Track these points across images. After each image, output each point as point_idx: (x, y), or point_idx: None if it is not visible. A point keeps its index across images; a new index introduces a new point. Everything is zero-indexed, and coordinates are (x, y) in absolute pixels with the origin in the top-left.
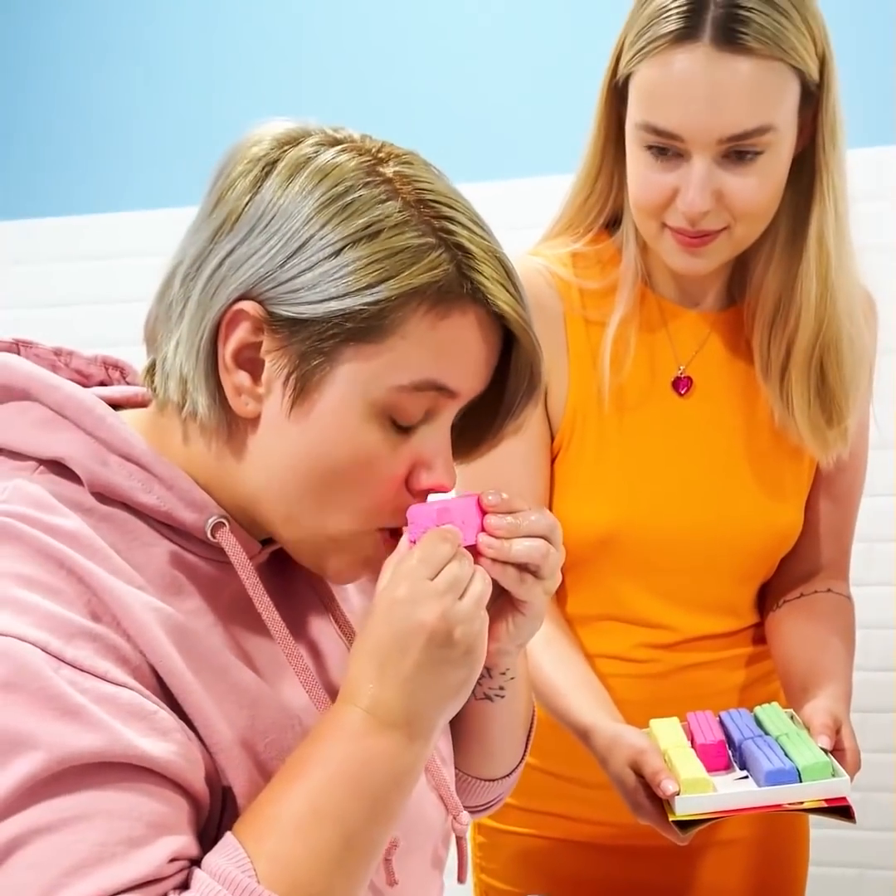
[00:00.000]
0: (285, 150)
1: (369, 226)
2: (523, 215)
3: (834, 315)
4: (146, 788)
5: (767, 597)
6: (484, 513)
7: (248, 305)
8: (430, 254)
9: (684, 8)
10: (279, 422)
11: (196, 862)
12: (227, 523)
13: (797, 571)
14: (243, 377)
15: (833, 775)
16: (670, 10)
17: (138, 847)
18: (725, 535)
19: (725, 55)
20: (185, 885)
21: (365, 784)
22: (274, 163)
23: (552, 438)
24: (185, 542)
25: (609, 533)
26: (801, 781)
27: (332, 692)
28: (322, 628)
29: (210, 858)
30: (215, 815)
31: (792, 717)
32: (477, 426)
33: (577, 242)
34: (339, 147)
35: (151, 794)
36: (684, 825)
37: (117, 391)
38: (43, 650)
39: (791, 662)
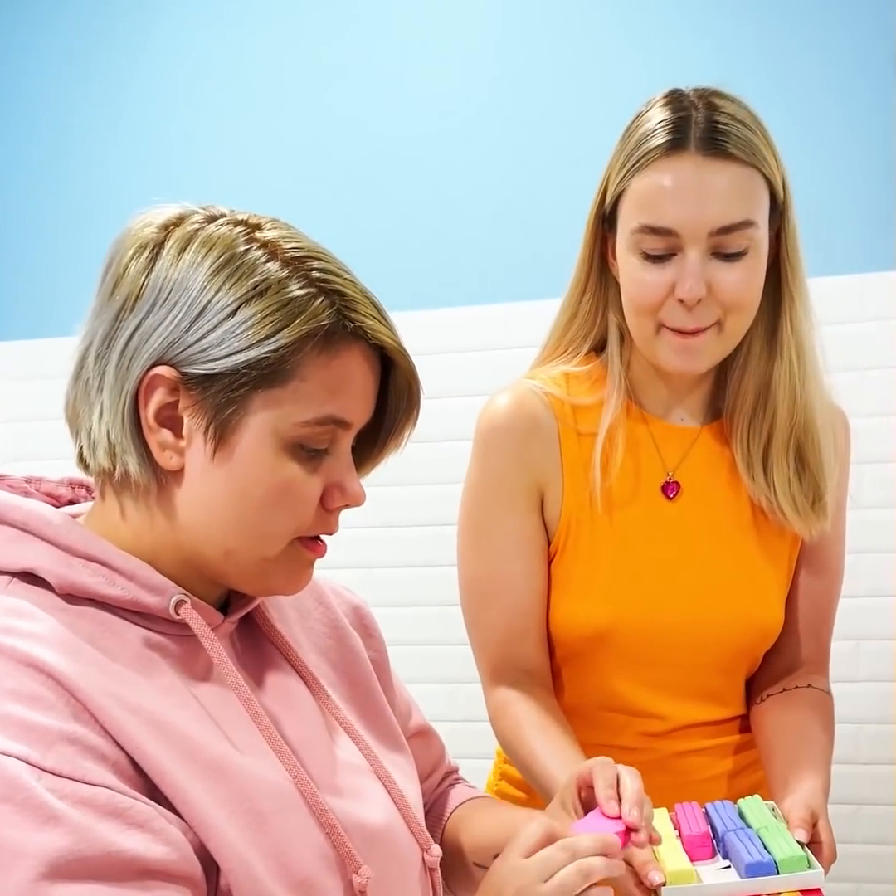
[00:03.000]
0: (171, 231)
1: (257, 285)
2: (518, 336)
3: (808, 402)
4: (134, 887)
5: (752, 691)
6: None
7: (162, 370)
8: (314, 302)
9: (670, 126)
10: (204, 469)
11: None
12: (187, 600)
13: (779, 666)
14: (166, 434)
15: (808, 867)
16: (657, 130)
17: None
18: (711, 631)
19: (710, 160)
20: None
21: None
22: (162, 243)
23: (549, 542)
24: (152, 624)
25: (603, 628)
26: (778, 873)
27: (300, 742)
28: (291, 684)
29: None
30: (211, 883)
31: (773, 810)
32: (362, 446)
33: (568, 364)
34: (217, 222)
35: (140, 892)
36: None
37: (86, 507)
38: (24, 762)
39: (773, 755)
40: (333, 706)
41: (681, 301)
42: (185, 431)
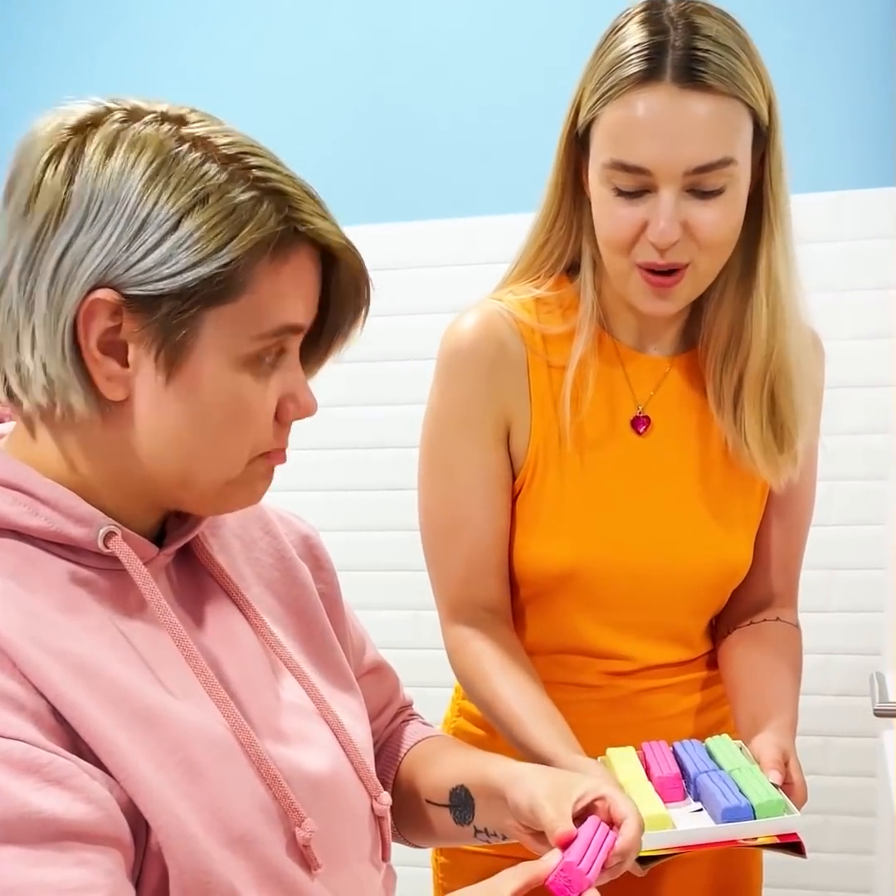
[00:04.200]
0: (88, 132)
1: (197, 193)
2: (483, 251)
3: (784, 344)
4: (50, 848)
5: (719, 625)
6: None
7: (102, 294)
8: (260, 207)
9: (645, 52)
10: (156, 397)
11: None
12: (117, 531)
13: (747, 601)
14: (111, 363)
15: (786, 812)
16: (631, 55)
17: None
18: (680, 570)
19: (687, 92)
20: None
21: None
22: (81, 147)
23: (514, 478)
24: (79, 558)
25: (569, 568)
26: (755, 818)
27: (241, 684)
28: (232, 621)
29: None
30: (140, 841)
31: (741, 749)
32: (305, 347)
33: (539, 288)
34: (142, 120)
35: (56, 855)
36: (643, 860)
37: (6, 427)
38: None
39: (739, 691)
40: (278, 644)
41: (652, 242)
42: (130, 359)
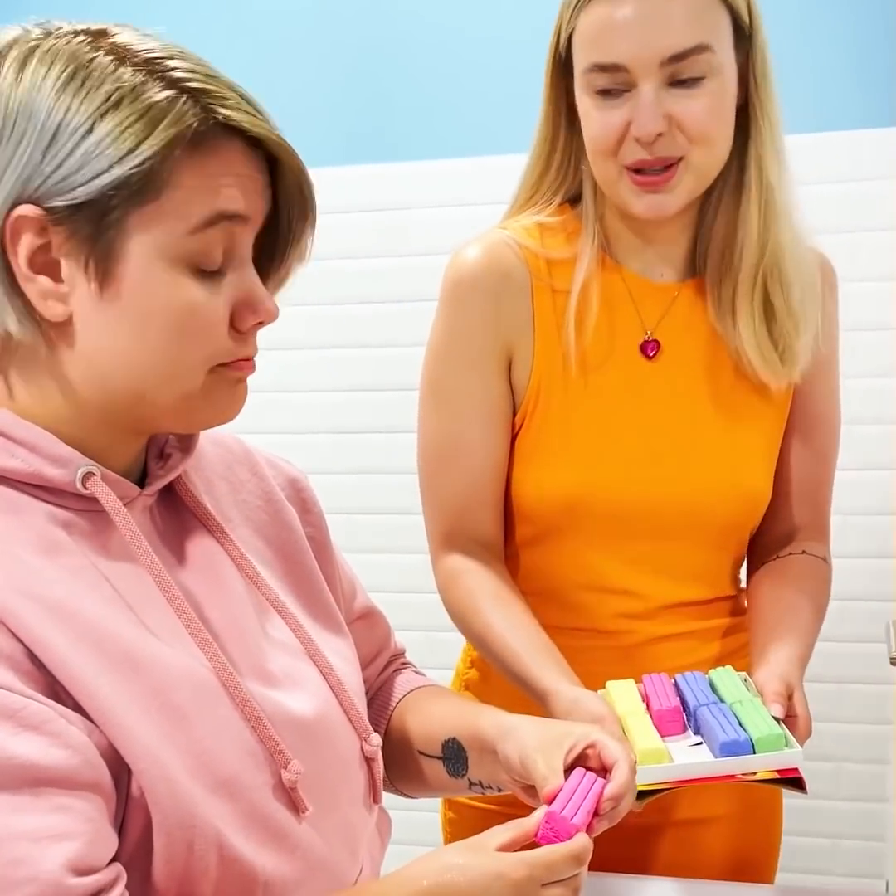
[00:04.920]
0: (5, 53)
1: (110, 96)
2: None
3: (776, 243)
4: (26, 794)
5: (748, 563)
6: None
7: (24, 209)
8: (175, 104)
9: None
10: (94, 311)
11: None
12: (96, 472)
13: (773, 534)
14: (44, 281)
15: (786, 746)
16: None
17: (24, 867)
18: (692, 500)
19: None
20: (105, 891)
21: None
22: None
23: (515, 411)
24: (58, 500)
25: (575, 498)
26: (754, 752)
27: (226, 626)
28: (218, 561)
29: None
30: (122, 786)
31: (745, 681)
32: (264, 260)
33: (541, 214)
34: (55, 34)
35: (32, 801)
36: (641, 794)
37: None
38: None
39: (757, 624)
40: (264, 585)
41: (637, 139)
42: (64, 274)
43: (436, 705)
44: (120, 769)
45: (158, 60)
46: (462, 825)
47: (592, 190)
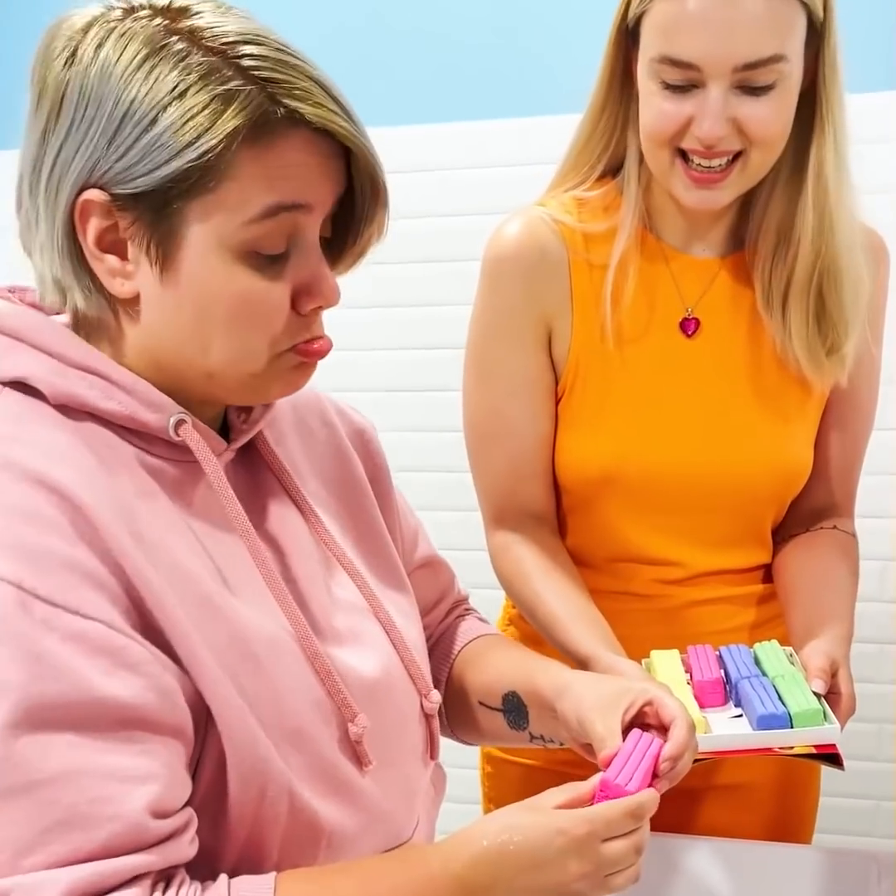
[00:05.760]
0: (88, 32)
1: (175, 86)
2: (537, 152)
3: (832, 244)
4: (114, 736)
5: (776, 534)
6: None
7: (91, 194)
8: (239, 95)
9: None
10: (157, 292)
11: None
12: (188, 420)
13: (805, 509)
14: (112, 260)
15: (824, 722)
16: None
17: (110, 805)
18: (729, 474)
19: None
20: (179, 834)
21: None
22: (75, 50)
23: (557, 381)
24: (148, 446)
25: (612, 470)
26: (792, 727)
27: (298, 581)
28: (289, 517)
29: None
30: (200, 732)
31: (790, 656)
32: (339, 241)
33: (580, 187)
34: (136, 14)
35: (120, 743)
36: None
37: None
38: (18, 587)
39: (794, 599)
40: (332, 542)
41: (697, 137)
42: (130, 254)
43: (496, 656)
44: (200, 714)
45: (231, 45)
46: (500, 779)
47: (636, 160)
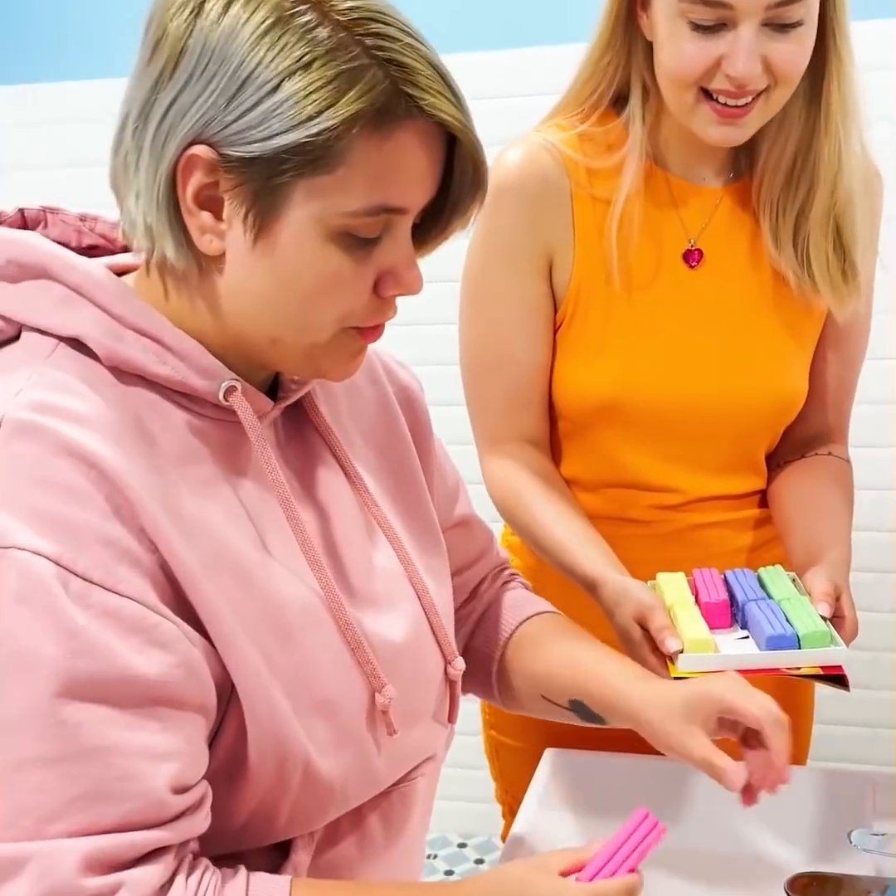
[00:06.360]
0: None
1: (302, 57)
2: (536, 83)
3: (848, 173)
4: (143, 713)
5: (770, 460)
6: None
7: (199, 150)
8: (364, 75)
9: None
10: (244, 256)
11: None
12: (238, 386)
13: (799, 435)
14: (206, 217)
15: (831, 644)
16: None
17: (136, 782)
18: (729, 402)
19: None
20: (194, 809)
21: None
22: (203, 4)
23: (555, 310)
24: (196, 408)
25: (614, 398)
26: (800, 648)
27: (337, 544)
28: (333, 479)
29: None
30: (223, 704)
31: (794, 581)
32: (426, 223)
33: (583, 123)
34: None
35: (148, 720)
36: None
37: (131, 260)
38: (56, 563)
39: (792, 525)
40: (373, 504)
41: (729, 76)
42: (225, 215)
43: (553, 651)
44: (224, 687)
45: (359, 22)
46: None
47: (641, 99)
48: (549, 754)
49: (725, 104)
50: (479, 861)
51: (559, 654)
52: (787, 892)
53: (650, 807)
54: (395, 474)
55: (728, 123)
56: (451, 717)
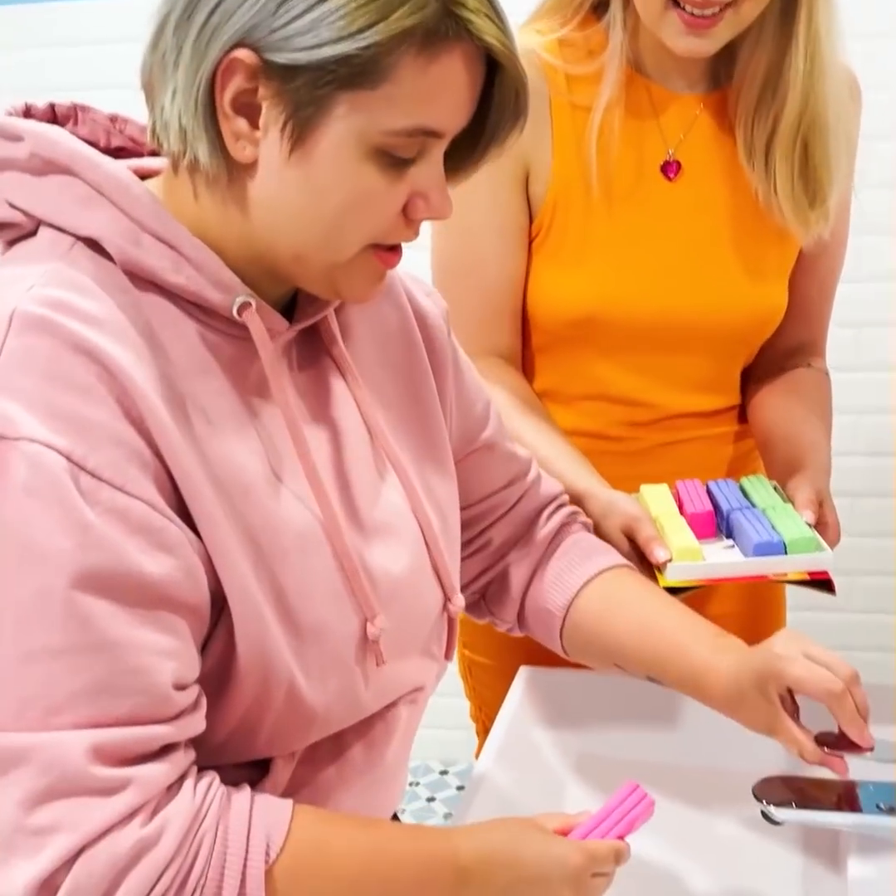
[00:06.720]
0: None
1: None
2: None
3: (820, 93)
4: (147, 611)
5: (749, 373)
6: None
7: (243, 54)
8: None
9: None
10: (278, 166)
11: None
12: (252, 303)
13: (778, 348)
14: (241, 123)
15: (818, 549)
16: None
17: (142, 677)
18: (707, 316)
19: None
20: (192, 709)
21: None
22: None
23: (531, 220)
24: (209, 321)
25: (589, 311)
26: (787, 554)
27: (342, 471)
28: (343, 405)
29: (259, 812)
30: (214, 616)
31: (776, 489)
32: (460, 149)
33: (563, 27)
34: None
35: (151, 619)
36: (673, 591)
37: (158, 164)
38: (67, 458)
39: (772, 435)
40: (382, 433)
41: None
42: (261, 122)
43: (624, 620)
44: (216, 599)
45: None
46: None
47: (621, 3)
48: (523, 672)
49: (692, 13)
50: (461, 788)
51: (631, 624)
52: (755, 796)
53: (623, 725)
54: (412, 402)
55: (695, 34)
56: (448, 654)
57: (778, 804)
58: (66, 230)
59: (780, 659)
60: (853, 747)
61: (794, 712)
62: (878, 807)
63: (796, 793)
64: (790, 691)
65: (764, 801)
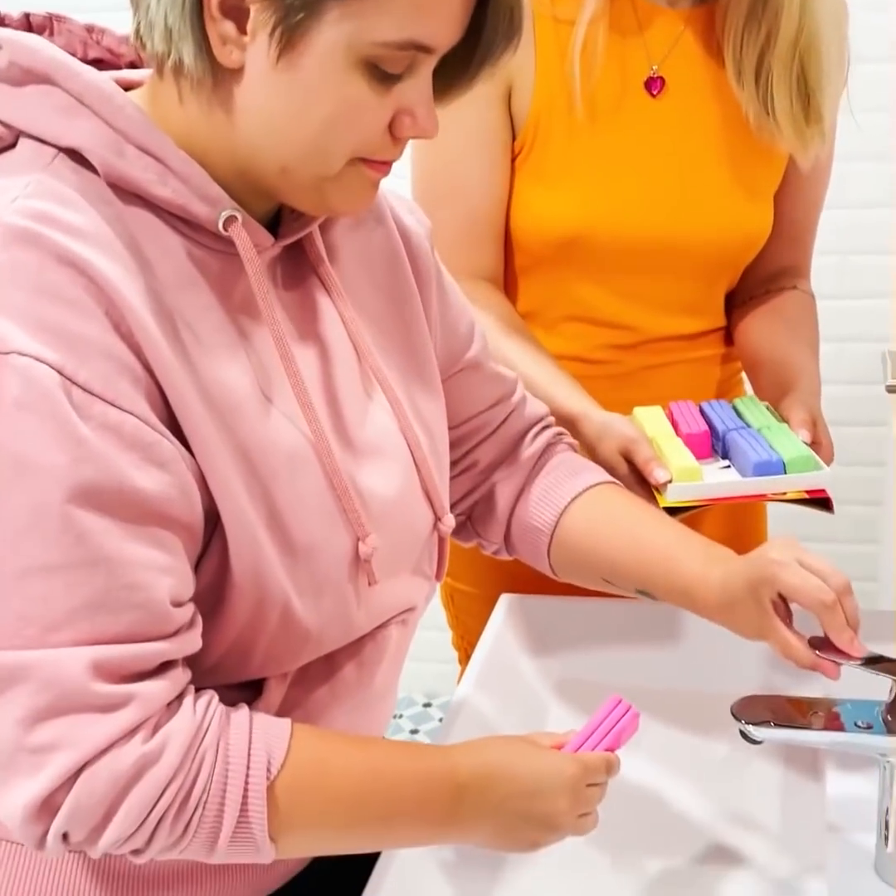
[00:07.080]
0: None
1: None
2: None
3: (816, 11)
4: (142, 526)
5: (734, 295)
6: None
7: None
8: None
9: None
10: (265, 73)
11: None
12: (239, 217)
13: (763, 270)
14: (228, 26)
15: (816, 468)
16: None
17: (139, 592)
18: (692, 236)
19: None
20: (189, 626)
21: (400, 818)
22: None
23: (514, 137)
24: (194, 235)
25: (573, 232)
26: (786, 473)
27: (330, 391)
28: (330, 324)
29: (258, 730)
30: (207, 535)
31: (769, 409)
32: (450, 68)
33: None
34: None
35: (146, 535)
36: (672, 511)
37: (145, 74)
38: (59, 372)
39: (760, 358)
40: (369, 352)
41: None
42: (249, 27)
43: (614, 535)
44: (210, 517)
45: None
46: (456, 549)
47: None
48: (504, 599)
49: None
50: (443, 720)
51: (620, 538)
52: (734, 716)
53: (605, 650)
54: (398, 321)
55: None
56: (439, 575)
57: (756, 723)
58: (48, 141)
59: (774, 563)
60: (844, 654)
61: (787, 617)
62: (856, 724)
63: (775, 712)
64: (783, 597)
65: (743, 721)
